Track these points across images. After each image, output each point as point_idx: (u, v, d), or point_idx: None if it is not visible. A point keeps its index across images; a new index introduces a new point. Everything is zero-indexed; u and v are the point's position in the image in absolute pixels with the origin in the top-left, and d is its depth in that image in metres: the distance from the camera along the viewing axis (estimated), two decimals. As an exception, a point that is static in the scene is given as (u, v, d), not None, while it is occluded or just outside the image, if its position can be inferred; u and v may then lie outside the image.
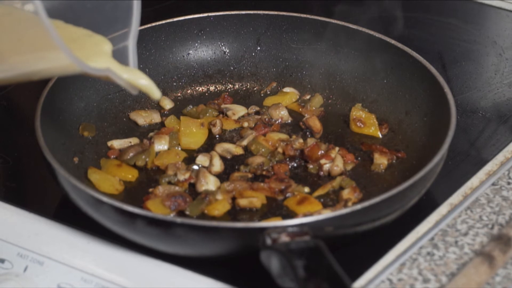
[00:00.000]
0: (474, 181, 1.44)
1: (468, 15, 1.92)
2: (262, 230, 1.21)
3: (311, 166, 1.47)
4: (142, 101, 1.61)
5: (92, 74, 1.22)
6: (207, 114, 1.58)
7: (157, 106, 1.62)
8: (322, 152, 1.48)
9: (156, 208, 1.36)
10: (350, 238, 1.30)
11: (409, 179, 1.29)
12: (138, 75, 1.29)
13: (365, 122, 1.54)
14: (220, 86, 1.66)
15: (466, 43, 1.82)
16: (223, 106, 1.60)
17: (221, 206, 1.38)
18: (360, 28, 1.60)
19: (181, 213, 1.37)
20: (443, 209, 1.39)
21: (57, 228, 1.35)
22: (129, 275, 1.29)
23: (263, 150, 1.50)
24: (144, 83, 1.29)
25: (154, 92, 1.30)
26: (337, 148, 1.49)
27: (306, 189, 1.43)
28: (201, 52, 1.66)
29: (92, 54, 1.26)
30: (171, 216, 1.34)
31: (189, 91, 1.65)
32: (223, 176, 1.46)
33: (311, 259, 1.15)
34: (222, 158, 1.49)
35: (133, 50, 1.30)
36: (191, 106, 1.60)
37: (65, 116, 1.49)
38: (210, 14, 1.65)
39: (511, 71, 1.72)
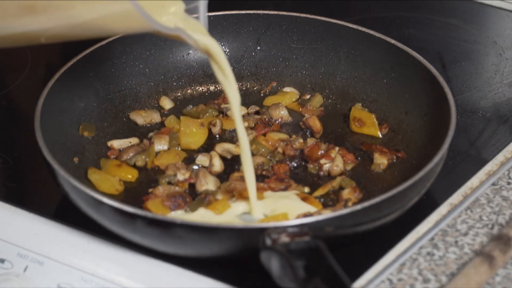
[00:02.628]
0: (474, 181, 1.44)
1: (468, 15, 1.92)
2: (262, 230, 1.21)
3: (311, 166, 1.47)
4: (142, 101, 1.61)
5: (163, 33, 1.23)
6: (207, 114, 1.58)
7: (157, 106, 1.62)
8: (322, 152, 1.48)
9: (156, 209, 1.36)
10: (350, 238, 1.30)
11: (409, 179, 1.29)
12: (206, 35, 1.31)
13: (365, 122, 1.54)
14: (220, 85, 1.66)
15: (466, 43, 1.82)
16: (223, 106, 1.60)
17: (221, 206, 1.37)
18: (360, 28, 1.60)
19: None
20: (443, 209, 1.39)
21: (57, 228, 1.35)
22: (129, 275, 1.29)
23: (263, 150, 1.50)
24: (211, 43, 1.32)
25: (219, 53, 1.32)
26: (337, 148, 1.50)
27: (306, 189, 1.43)
28: (201, 52, 1.66)
29: (164, 13, 1.28)
30: (171, 217, 1.34)
31: (189, 91, 1.65)
32: (223, 176, 1.46)
33: (311, 260, 1.15)
34: (222, 158, 1.49)
35: (204, 10, 1.32)
36: (191, 106, 1.60)
37: (65, 116, 1.49)
38: (210, 14, 1.64)
39: (511, 71, 1.72)
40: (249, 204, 1.37)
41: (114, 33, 1.32)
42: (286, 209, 1.36)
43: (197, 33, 1.29)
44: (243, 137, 1.36)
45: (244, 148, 1.36)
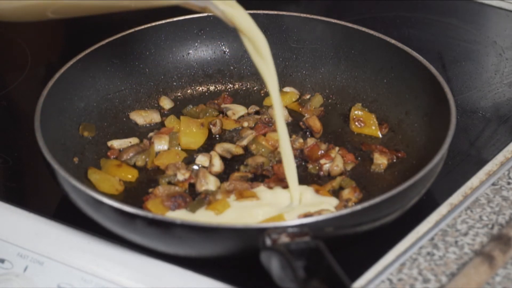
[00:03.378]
0: (474, 181, 1.44)
1: (468, 15, 1.92)
2: (262, 230, 1.21)
3: (311, 166, 1.47)
4: (142, 100, 1.61)
5: (191, 5, 1.25)
6: (207, 114, 1.58)
7: (157, 106, 1.62)
8: (322, 152, 1.48)
9: (156, 209, 1.36)
10: (350, 239, 1.30)
11: (409, 179, 1.28)
12: (235, 7, 1.31)
13: (365, 121, 1.54)
14: (220, 85, 1.66)
15: (466, 43, 1.82)
16: (223, 106, 1.60)
17: (221, 206, 1.37)
18: (360, 28, 1.60)
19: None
20: (443, 209, 1.39)
21: (57, 228, 1.35)
22: (129, 275, 1.29)
23: (263, 150, 1.50)
24: (239, 14, 1.31)
25: (248, 25, 1.32)
26: (337, 148, 1.50)
27: (306, 189, 1.43)
28: (201, 52, 1.66)
29: None
30: (171, 217, 1.34)
31: (189, 91, 1.65)
32: (223, 176, 1.46)
33: (311, 260, 1.15)
34: (222, 158, 1.49)
35: None
36: (191, 106, 1.60)
37: (65, 116, 1.49)
38: (210, 14, 1.65)
39: (511, 71, 1.72)
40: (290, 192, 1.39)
41: (140, 5, 1.31)
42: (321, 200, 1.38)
43: (225, 5, 1.29)
44: (280, 119, 1.36)
45: (280, 127, 1.37)
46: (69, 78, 1.50)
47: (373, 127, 1.54)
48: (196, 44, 1.66)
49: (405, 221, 1.34)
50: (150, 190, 1.42)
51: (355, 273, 1.27)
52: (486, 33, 1.85)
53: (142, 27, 1.61)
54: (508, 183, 1.44)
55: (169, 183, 1.43)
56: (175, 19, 1.63)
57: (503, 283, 1.26)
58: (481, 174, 1.46)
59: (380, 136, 1.54)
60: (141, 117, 1.58)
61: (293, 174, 1.38)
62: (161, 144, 1.51)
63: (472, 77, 1.72)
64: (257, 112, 1.59)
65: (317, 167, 1.47)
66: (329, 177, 1.46)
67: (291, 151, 1.38)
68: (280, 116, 1.36)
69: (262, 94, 1.65)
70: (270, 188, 1.42)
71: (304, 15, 1.64)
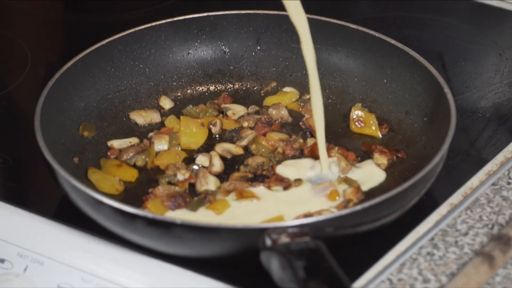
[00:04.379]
0: (474, 181, 1.44)
1: (468, 15, 1.92)
2: (262, 230, 1.21)
3: (311, 166, 1.47)
4: (142, 100, 1.61)
5: None
6: (207, 114, 1.58)
7: (157, 106, 1.62)
8: (322, 152, 1.48)
9: (156, 209, 1.36)
10: (350, 239, 1.30)
11: (409, 179, 1.29)
12: None
13: (365, 121, 1.54)
14: (220, 85, 1.66)
15: (466, 43, 1.82)
16: (223, 105, 1.60)
17: (221, 206, 1.37)
18: (361, 28, 1.60)
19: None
20: (443, 209, 1.39)
21: (57, 228, 1.35)
22: (129, 275, 1.29)
23: (263, 150, 1.50)
24: None
25: None
26: (337, 148, 1.50)
27: (306, 188, 1.43)
28: (201, 52, 1.66)
29: None
30: (171, 217, 1.34)
31: (189, 91, 1.65)
32: (223, 176, 1.46)
33: (311, 260, 1.15)
34: (222, 158, 1.49)
35: None
36: (191, 106, 1.60)
37: (65, 116, 1.49)
38: (210, 13, 1.65)
39: (511, 71, 1.72)
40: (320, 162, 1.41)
41: None
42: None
43: None
44: (315, 83, 1.41)
45: (315, 97, 1.41)
46: (69, 78, 1.50)
47: (373, 127, 1.54)
48: (196, 44, 1.66)
49: (405, 221, 1.34)
50: (150, 190, 1.42)
51: (355, 273, 1.27)
52: (486, 33, 1.85)
53: (142, 27, 1.61)
54: (508, 183, 1.44)
55: (169, 183, 1.43)
56: (175, 19, 1.63)
57: (503, 283, 1.26)
58: (481, 174, 1.46)
59: (380, 136, 1.54)
60: (141, 117, 1.58)
61: (322, 142, 1.42)
62: (161, 144, 1.51)
63: (472, 77, 1.72)
64: (257, 112, 1.59)
65: (317, 167, 1.47)
66: (329, 177, 1.46)
67: (322, 111, 1.42)
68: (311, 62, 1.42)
69: (262, 94, 1.65)
70: (270, 188, 1.42)
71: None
